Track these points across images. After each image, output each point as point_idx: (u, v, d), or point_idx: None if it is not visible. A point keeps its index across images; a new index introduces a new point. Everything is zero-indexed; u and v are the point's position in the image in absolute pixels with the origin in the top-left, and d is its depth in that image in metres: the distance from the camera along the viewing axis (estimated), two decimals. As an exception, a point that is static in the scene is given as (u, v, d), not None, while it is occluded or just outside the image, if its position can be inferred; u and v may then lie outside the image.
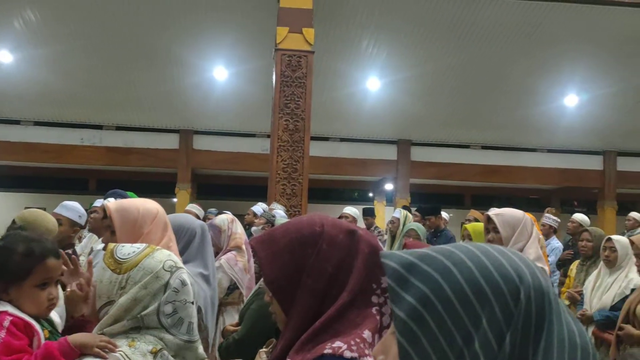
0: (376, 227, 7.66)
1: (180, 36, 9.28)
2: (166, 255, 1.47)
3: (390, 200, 13.40)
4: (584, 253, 4.65)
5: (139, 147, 12.01)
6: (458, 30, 9.02)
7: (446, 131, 12.23)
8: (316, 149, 10.50)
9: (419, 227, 4.50)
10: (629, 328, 2.86)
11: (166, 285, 1.42)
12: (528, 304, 0.62)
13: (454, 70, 9.99)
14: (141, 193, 4.17)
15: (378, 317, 1.08)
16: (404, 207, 6.90)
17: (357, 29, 8.99)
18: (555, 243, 6.93)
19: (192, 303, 1.46)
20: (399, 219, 5.51)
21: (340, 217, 6.97)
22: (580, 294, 4.52)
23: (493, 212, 2.65)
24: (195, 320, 1.46)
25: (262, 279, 1.97)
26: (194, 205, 7.93)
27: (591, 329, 3.61)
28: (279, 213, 5.71)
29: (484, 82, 10.30)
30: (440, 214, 6.47)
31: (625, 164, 12.91)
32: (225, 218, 3.78)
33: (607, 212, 12.77)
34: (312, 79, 7.48)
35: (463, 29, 8.97)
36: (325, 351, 1.01)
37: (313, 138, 8.64)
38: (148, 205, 2.12)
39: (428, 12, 8.65)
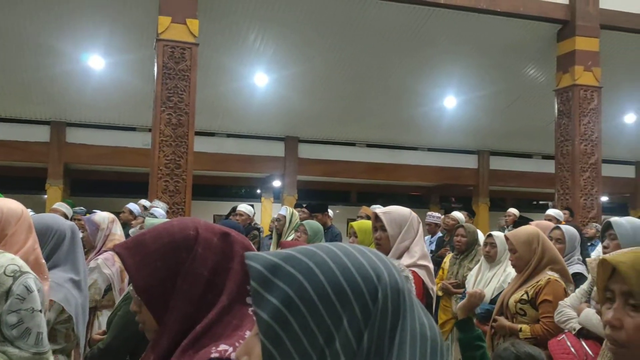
0: (255, 224, 7.58)
1: (50, 22, 8.62)
2: (9, 259, 1.32)
3: (278, 197, 13.41)
4: (458, 247, 4.92)
5: (5, 139, 11.05)
6: (346, 29, 9.17)
7: (333, 129, 12.43)
8: (201, 145, 10.24)
9: (310, 224, 4.50)
10: (501, 320, 3.01)
11: (8, 292, 1.27)
12: (385, 302, 0.65)
13: (341, 69, 10.15)
14: (7, 190, 3.82)
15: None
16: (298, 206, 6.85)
17: (244, 23, 8.85)
18: (436, 238, 7.29)
19: (41, 311, 1.33)
20: (285, 217, 5.48)
21: (234, 214, 6.85)
22: (455, 285, 4.79)
23: (380, 210, 2.68)
24: (44, 330, 1.32)
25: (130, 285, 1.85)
26: (62, 203, 7.23)
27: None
28: (159, 211, 5.47)
29: (370, 82, 10.57)
30: (327, 211, 6.54)
31: (497, 163, 13.87)
32: (106, 216, 3.63)
33: (481, 208, 13.64)
34: (197, 72, 7.27)
35: (350, 28, 9.14)
36: (212, 355, 1.00)
37: (198, 133, 8.40)
38: (11, 204, 1.91)
39: (316, 8, 8.72)
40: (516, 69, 10.48)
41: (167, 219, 2.96)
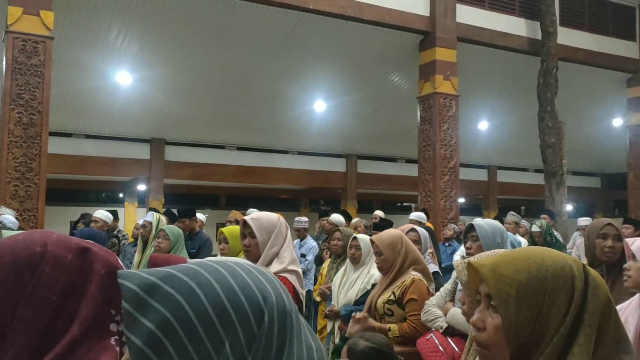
0: (119, 230, 7.22)
1: None
2: None
3: (143, 202, 12.88)
4: (334, 251, 5.01)
5: None
6: (215, 31, 9.04)
7: (202, 131, 12.19)
8: (57, 146, 9.58)
9: (171, 229, 4.34)
10: (370, 321, 3.12)
11: None
12: (271, 325, 0.63)
13: (210, 70, 9.98)
14: None
15: (118, 348, 0.94)
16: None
17: (105, 18, 8.40)
18: (311, 242, 7.40)
19: None
20: (151, 223, 5.26)
21: (90, 221, 6.44)
22: (331, 289, 4.89)
23: (249, 216, 2.66)
24: None
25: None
26: None
27: (337, 323, 3.89)
28: (8, 219, 5.02)
29: (240, 84, 10.50)
30: (195, 215, 6.37)
31: (364, 167, 14.40)
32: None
33: (349, 210, 14.07)
34: (52, 68, 6.77)
35: (220, 30, 9.02)
36: None
37: (53, 134, 7.85)
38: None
39: (184, 8, 8.50)
40: (382, 76, 10.96)
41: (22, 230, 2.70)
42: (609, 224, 2.91)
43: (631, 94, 12.04)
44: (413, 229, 3.93)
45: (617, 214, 14.83)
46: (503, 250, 2.33)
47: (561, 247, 6.61)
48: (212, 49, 9.47)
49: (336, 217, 7.04)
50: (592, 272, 1.06)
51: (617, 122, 13.00)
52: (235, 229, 3.00)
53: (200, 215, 6.77)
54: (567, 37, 10.82)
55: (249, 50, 9.60)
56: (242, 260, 0.67)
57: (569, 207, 14.42)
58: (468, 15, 9.89)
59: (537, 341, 1.00)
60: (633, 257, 2.27)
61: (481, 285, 1.07)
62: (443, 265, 6.62)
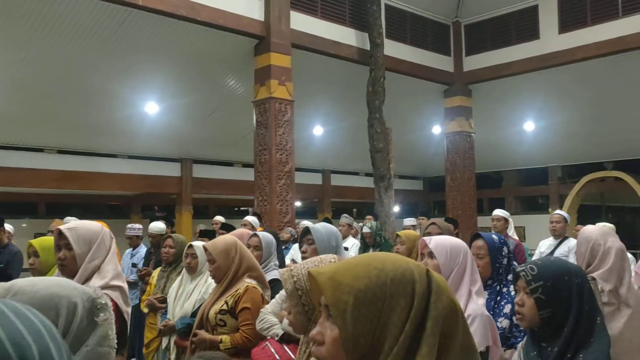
0: None
1: None
2: None
3: (-57, 213, 11.30)
4: (165, 259, 4.75)
5: None
6: (32, 19, 8.20)
7: (16, 132, 11.01)
8: None
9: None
10: (201, 333, 2.98)
11: None
12: None
13: (25, 65, 9.05)
14: None
15: None
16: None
17: None
18: (144, 251, 6.99)
19: None
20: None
21: None
22: (161, 300, 4.61)
23: (65, 226, 2.38)
24: None
25: None
26: None
27: (174, 338, 3.67)
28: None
29: (62, 82, 9.65)
30: (3, 226, 5.70)
31: (200, 171, 14.05)
32: None
33: (184, 216, 13.65)
34: None
35: (38, 18, 8.20)
36: None
37: None
38: None
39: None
40: (218, 79, 10.78)
41: None
42: (433, 223, 3.07)
43: (447, 104, 13.18)
44: (255, 235, 3.86)
45: (436, 213, 16.13)
46: (336, 256, 2.33)
47: (390, 247, 6.96)
48: (28, 40, 8.59)
49: (157, 225, 6.72)
50: (436, 276, 1.02)
51: (437, 129, 14.13)
52: (48, 240, 2.68)
53: (8, 226, 6.04)
54: (393, 49, 11.54)
55: (72, 45, 8.87)
56: (11, 303, 0.52)
57: (396, 209, 15.38)
58: (302, 23, 10.10)
59: (377, 352, 0.94)
60: (430, 255, 2.40)
61: (322, 295, 1.00)
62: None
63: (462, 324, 1.00)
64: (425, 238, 2.46)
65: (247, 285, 2.97)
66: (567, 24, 11.43)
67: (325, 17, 10.61)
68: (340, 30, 10.80)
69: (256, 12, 9.48)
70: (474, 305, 2.28)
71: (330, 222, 3.86)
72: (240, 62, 10.01)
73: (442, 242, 2.41)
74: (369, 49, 10.91)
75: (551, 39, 11.60)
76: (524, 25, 12.07)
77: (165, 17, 8.56)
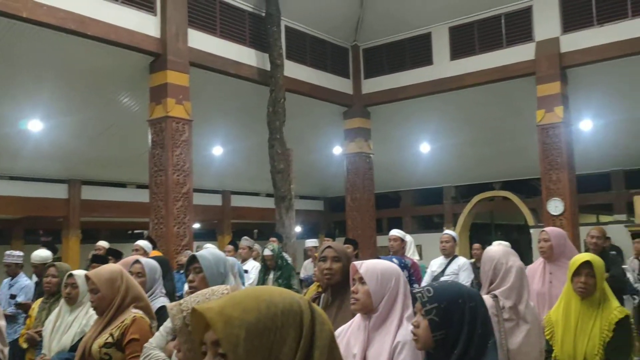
0: None
1: None
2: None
3: None
4: (48, 290, 4.46)
5: None
6: None
7: None
8: None
9: None
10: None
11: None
12: None
13: None
14: None
15: None
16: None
17: None
18: (24, 280, 6.51)
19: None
20: None
21: None
22: (41, 334, 4.29)
23: None
24: None
25: None
26: None
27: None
28: None
29: None
30: None
31: (89, 193, 13.38)
32: None
33: (72, 241, 12.92)
34: None
35: None
36: None
37: None
38: None
39: None
40: (110, 96, 10.37)
41: None
42: (329, 246, 3.06)
43: (347, 125, 13.47)
44: (137, 261, 3.67)
45: (337, 233, 16.35)
46: (227, 287, 2.25)
47: (291, 269, 6.94)
48: None
49: (42, 253, 6.31)
50: (317, 307, 1.07)
51: (337, 150, 14.39)
52: None
53: None
54: (293, 70, 11.65)
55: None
56: None
57: (297, 229, 15.43)
58: (200, 41, 9.96)
59: None
60: (361, 280, 2.37)
61: (208, 332, 0.99)
62: (178, 294, 6.40)
63: (338, 353, 1.05)
64: (356, 263, 2.42)
65: (134, 316, 2.82)
66: (457, 52, 12.08)
67: (224, 36, 10.53)
68: (240, 50, 10.76)
69: (152, 29, 9.24)
70: (404, 331, 2.25)
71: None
72: (135, 79, 9.69)
73: (373, 267, 2.37)
74: (269, 69, 10.95)
75: (443, 65, 12.22)
76: (418, 52, 12.63)
77: (52, 31, 8.11)
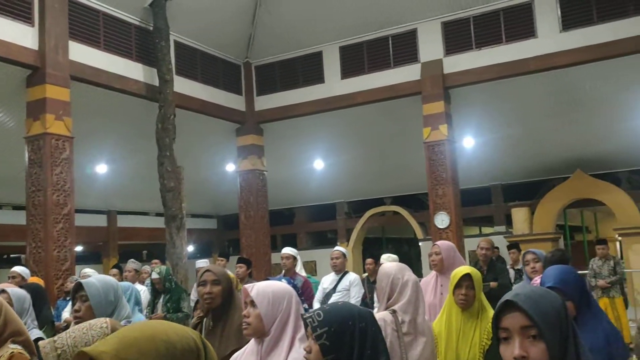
0: None
1: None
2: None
3: None
4: None
5: None
6: None
7: None
8: None
9: None
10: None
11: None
12: None
13: None
14: None
15: None
16: None
17: None
18: None
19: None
20: None
21: None
22: None
23: None
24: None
25: None
26: None
27: None
28: None
29: None
30: None
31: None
32: None
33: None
34: None
35: None
36: None
37: None
38: None
39: None
40: (-19, 111, 9.68)
41: None
42: (207, 270, 3.04)
43: (240, 142, 13.44)
44: (3, 291, 3.44)
45: (231, 252, 16.18)
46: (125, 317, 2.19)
47: (181, 291, 6.78)
48: None
49: (20, 270, 5.79)
50: (207, 342, 1.06)
51: (230, 167, 14.30)
52: None
53: None
54: (183, 86, 11.48)
55: None
56: None
57: (190, 248, 15.11)
58: (83, 54, 9.58)
59: None
60: (252, 303, 2.37)
61: None
62: (57, 322, 6.08)
63: None
64: (247, 286, 2.39)
65: (12, 352, 2.65)
66: (348, 71, 12.47)
67: (109, 50, 10.19)
68: (126, 64, 10.45)
69: (29, 40, 8.77)
70: (295, 354, 2.23)
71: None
72: (10, 93, 9.13)
73: (264, 290, 2.36)
74: (158, 85, 10.71)
75: (334, 83, 12.55)
76: (310, 70, 12.89)
77: None
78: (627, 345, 3.00)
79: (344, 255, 6.65)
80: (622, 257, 12.89)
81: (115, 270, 8.20)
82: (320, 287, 6.63)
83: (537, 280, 3.48)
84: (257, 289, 2.36)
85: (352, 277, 6.52)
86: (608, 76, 10.81)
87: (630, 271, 11.92)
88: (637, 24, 9.88)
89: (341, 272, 6.55)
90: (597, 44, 10.16)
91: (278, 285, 2.44)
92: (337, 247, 6.99)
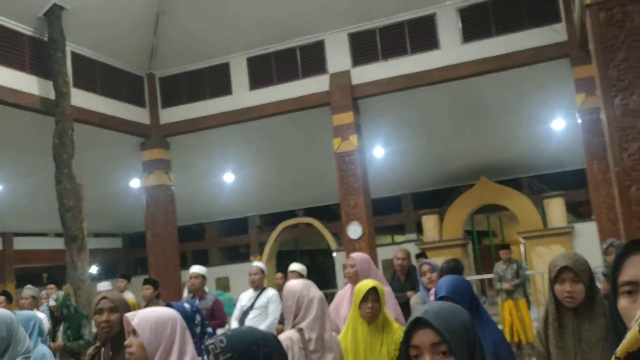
0: None
1: None
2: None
3: None
4: None
5: None
6: None
7: None
8: None
9: None
10: None
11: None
12: None
13: None
14: None
15: None
16: None
17: None
18: None
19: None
20: None
21: None
22: None
23: None
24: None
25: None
26: None
27: None
28: None
29: None
30: None
31: None
32: None
33: None
34: None
35: None
36: None
37: None
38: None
39: None
40: None
41: None
42: (104, 297, 2.96)
43: (145, 157, 13.05)
44: None
45: (139, 271, 15.68)
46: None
47: (82, 317, 6.47)
48: None
49: None
50: None
51: (135, 183, 13.87)
52: None
53: None
54: (82, 99, 11.04)
55: None
56: None
57: (93, 270, 14.49)
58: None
59: None
60: (134, 332, 2.31)
61: None
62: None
63: None
64: (128, 315, 2.32)
65: None
66: (256, 82, 12.45)
67: (0, 62, 9.65)
68: (19, 76, 9.93)
69: None
70: None
71: None
72: None
73: (146, 317, 2.31)
74: (54, 98, 10.24)
75: (243, 95, 12.49)
76: (217, 81, 12.76)
77: None
78: (513, 351, 3.19)
79: (262, 271, 6.59)
80: (526, 260, 13.62)
81: (1, 298, 7.58)
82: (237, 305, 6.54)
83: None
84: (139, 317, 2.32)
85: (270, 293, 6.46)
86: (507, 86, 11.44)
87: (534, 273, 12.60)
88: (532, 37, 10.52)
89: (259, 288, 6.49)
90: (496, 55, 10.72)
91: (161, 312, 2.41)
92: (255, 263, 6.92)
